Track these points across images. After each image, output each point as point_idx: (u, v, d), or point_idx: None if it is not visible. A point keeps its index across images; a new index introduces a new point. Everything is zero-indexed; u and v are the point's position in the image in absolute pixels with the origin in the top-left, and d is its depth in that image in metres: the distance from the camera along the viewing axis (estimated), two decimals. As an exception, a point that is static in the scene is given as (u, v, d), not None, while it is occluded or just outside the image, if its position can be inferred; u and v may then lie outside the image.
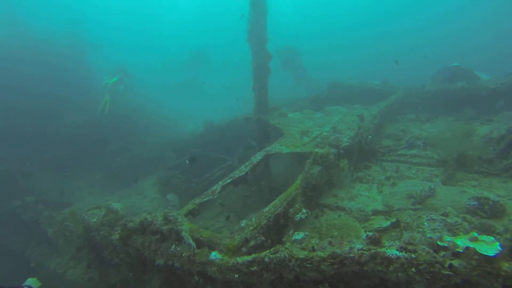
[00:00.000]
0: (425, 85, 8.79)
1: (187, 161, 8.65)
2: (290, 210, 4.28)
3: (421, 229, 3.91)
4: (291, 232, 4.04)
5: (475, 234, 2.82)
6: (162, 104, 19.11)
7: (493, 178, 5.11)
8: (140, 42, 38.02)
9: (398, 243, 2.86)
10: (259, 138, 8.48)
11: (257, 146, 8.80)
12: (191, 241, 3.63)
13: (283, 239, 3.95)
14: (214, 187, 5.19)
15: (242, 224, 3.93)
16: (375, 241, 2.90)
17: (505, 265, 2.35)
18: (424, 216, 4.08)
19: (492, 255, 2.38)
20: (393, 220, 4.23)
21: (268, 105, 8.48)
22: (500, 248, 2.48)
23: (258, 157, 5.88)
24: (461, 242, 2.75)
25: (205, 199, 4.87)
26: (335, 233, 4.25)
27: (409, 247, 2.71)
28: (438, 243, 2.67)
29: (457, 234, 3.78)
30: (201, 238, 3.77)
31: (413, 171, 5.72)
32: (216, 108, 16.88)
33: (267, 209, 4.22)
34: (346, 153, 5.75)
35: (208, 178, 8.63)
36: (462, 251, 2.51)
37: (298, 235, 3.59)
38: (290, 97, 11.88)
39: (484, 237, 2.76)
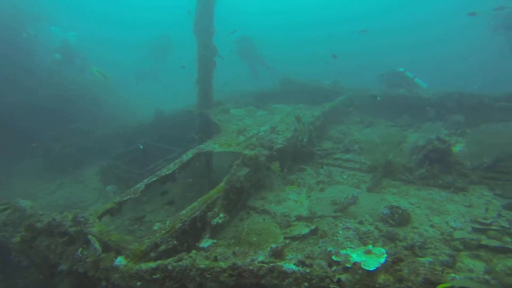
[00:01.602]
0: (376, 95, 9.22)
1: (140, 145, 8.31)
2: (209, 213, 4.28)
3: (335, 238, 4.13)
4: (206, 237, 4.05)
5: (370, 247, 3.02)
6: (126, 88, 18.19)
7: (411, 186, 5.50)
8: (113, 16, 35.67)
9: (299, 257, 2.98)
10: (201, 133, 8.39)
11: (199, 140, 8.70)
12: (97, 245, 3.52)
13: (197, 244, 3.95)
14: (138, 185, 5.06)
15: (155, 228, 3.87)
16: (276, 254, 2.99)
17: (381, 278, 2.54)
18: (341, 225, 4.31)
19: (372, 269, 2.56)
20: (313, 227, 4.41)
21: (212, 99, 8.39)
22: (382, 262, 2.68)
23: (189, 155, 5.81)
24: (356, 255, 2.93)
25: (125, 198, 4.73)
26: (254, 239, 4.35)
27: (307, 261, 2.83)
28: (333, 258, 2.81)
29: (367, 243, 4.04)
30: (109, 242, 3.66)
31: (345, 176, 5.98)
32: (173, 97, 16.36)
33: (184, 212, 4.20)
34: (280, 155, 5.86)
35: (151, 170, 8.39)
36: (350, 266, 2.66)
37: (206, 243, 3.60)
38: (243, 89, 11.85)
39: (376, 250, 2.97)
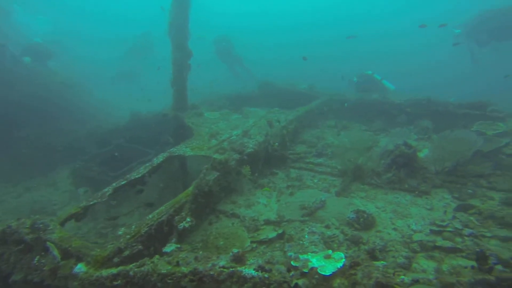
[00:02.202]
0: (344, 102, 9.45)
1: (116, 154, 8.23)
2: (176, 218, 4.30)
3: (301, 242, 4.23)
4: (173, 241, 4.07)
5: (330, 252, 3.13)
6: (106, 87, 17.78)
7: (379, 190, 5.69)
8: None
9: (259, 261, 3.05)
10: (175, 136, 8.38)
11: (173, 143, 8.68)
12: (55, 252, 3.47)
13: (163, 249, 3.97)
14: (106, 189, 5.01)
15: (120, 232, 3.86)
16: (238, 259, 3.05)
17: (336, 282, 2.65)
18: (307, 229, 4.42)
19: (328, 274, 2.66)
20: (280, 231, 4.49)
21: (187, 102, 8.39)
22: (339, 266, 2.79)
23: (160, 158, 5.80)
24: (316, 260, 3.03)
25: (91, 202, 4.68)
26: (221, 243, 4.40)
27: (267, 266, 2.91)
28: (292, 263, 2.90)
29: (332, 247, 4.16)
30: (69, 248, 3.62)
31: (316, 180, 6.11)
32: (151, 98, 16.10)
33: (150, 216, 4.21)
34: (251, 159, 5.94)
35: (125, 172, 8.31)
36: (307, 271, 2.75)
37: (169, 247, 3.62)
38: (221, 92, 11.86)
39: (335, 254, 3.08)
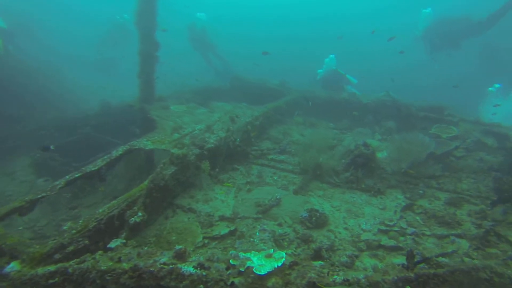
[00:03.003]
0: (308, 99, 9.58)
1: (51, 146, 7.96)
2: (128, 212, 4.27)
3: (252, 239, 4.31)
4: (122, 236, 4.04)
5: (271, 251, 3.21)
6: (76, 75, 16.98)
7: (337, 189, 5.85)
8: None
9: (201, 259, 3.09)
10: (142, 128, 8.25)
11: (139, 135, 8.55)
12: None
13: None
14: (58, 182, 4.89)
15: (65, 227, 3.79)
16: (179, 256, 3.08)
17: (271, 281, 2.73)
18: (258, 227, 4.50)
19: (262, 273, 2.74)
20: (232, 228, 4.56)
21: (153, 94, 8.25)
22: (276, 266, 2.87)
23: (119, 151, 5.70)
24: (257, 259, 3.10)
25: (39, 196, 4.56)
26: (174, 238, 4.42)
27: (207, 264, 2.95)
28: (231, 261, 2.96)
29: (282, 245, 4.27)
30: (3, 246, 3.52)
31: (276, 178, 6.21)
32: (129, 87, 15.57)
33: (101, 210, 4.15)
34: (212, 154, 5.95)
35: (90, 162, 8.10)
36: (243, 270, 2.82)
37: (114, 243, 3.59)
38: (193, 84, 11.72)
39: (276, 254, 3.16)
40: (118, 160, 5.68)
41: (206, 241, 4.39)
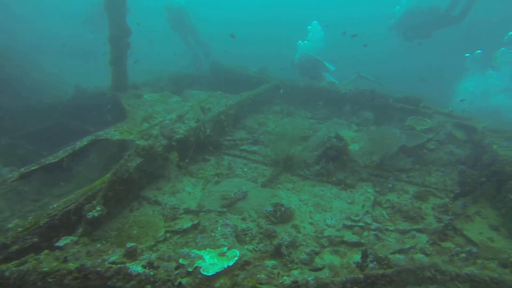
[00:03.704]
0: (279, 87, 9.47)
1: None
2: (86, 206, 4.17)
3: (213, 234, 4.27)
4: (79, 231, 3.95)
5: (225, 249, 3.18)
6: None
7: (307, 182, 5.84)
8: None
9: (153, 257, 3.04)
10: (114, 116, 8.05)
11: (113, 123, 8.35)
12: None
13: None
14: (11, 174, 4.73)
15: (10, 225, 3.67)
16: (130, 254, 3.02)
17: (219, 282, 2.71)
18: (221, 221, 4.47)
19: (210, 274, 2.72)
20: (196, 222, 4.51)
21: (126, 82, 8.02)
22: (226, 266, 2.84)
23: (84, 141, 5.54)
24: (210, 257, 3.07)
25: (-11, 188, 4.40)
26: (135, 232, 4.36)
27: (156, 263, 2.90)
28: (180, 261, 2.91)
29: (244, 240, 4.25)
30: None
31: (246, 169, 6.16)
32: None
33: (55, 205, 4.04)
34: (182, 145, 5.85)
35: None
36: (191, 270, 2.79)
37: (63, 241, 3.48)
38: (171, 71, 11.44)
39: (230, 252, 3.14)
40: (83, 151, 5.51)
41: (168, 235, 4.35)
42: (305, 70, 11.36)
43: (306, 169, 6.07)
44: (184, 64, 13.84)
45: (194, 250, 3.20)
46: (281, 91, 9.22)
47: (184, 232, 4.40)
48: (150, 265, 2.88)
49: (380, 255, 3.08)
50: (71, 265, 2.91)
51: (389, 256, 3.28)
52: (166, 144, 5.62)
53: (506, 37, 13.38)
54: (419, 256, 3.71)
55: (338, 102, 9.35)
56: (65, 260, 2.98)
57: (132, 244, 3.14)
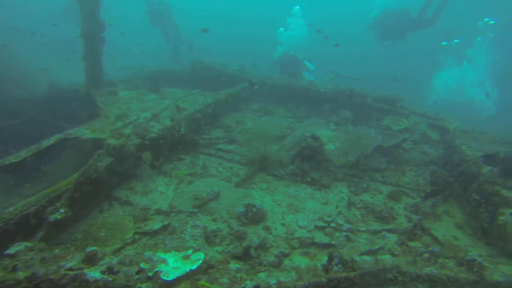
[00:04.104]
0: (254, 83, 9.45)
1: None
2: (49, 209, 4.03)
3: (183, 235, 4.20)
4: (39, 236, 3.81)
5: (189, 252, 3.13)
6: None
7: (282, 182, 5.83)
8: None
9: (114, 261, 2.96)
10: (89, 113, 7.84)
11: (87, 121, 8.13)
12: None
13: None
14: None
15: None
16: (89, 259, 2.93)
17: (180, 287, 2.65)
18: (191, 222, 4.40)
19: (170, 279, 2.66)
20: (166, 223, 4.43)
21: (101, 78, 7.82)
22: (188, 270, 2.79)
23: (51, 140, 5.37)
24: (174, 260, 3.01)
25: None
26: (102, 234, 4.25)
27: (116, 268, 2.82)
28: (141, 265, 2.84)
29: (213, 241, 4.20)
30: None
31: (220, 169, 6.10)
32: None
33: (11, 209, 3.88)
34: (156, 144, 5.75)
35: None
36: (151, 275, 2.72)
37: (15, 248, 3.27)
38: (150, 66, 11.22)
39: (194, 255, 3.08)
40: (50, 151, 5.34)
41: (137, 236, 4.27)
42: (285, 68, 11.36)
43: (281, 169, 6.06)
44: (164, 60, 13.57)
45: (158, 253, 3.13)
46: (256, 87, 9.17)
47: (153, 233, 4.32)
48: (109, 270, 2.80)
49: (346, 258, 3.08)
50: (21, 274, 2.79)
51: (357, 258, 3.30)
52: (139, 143, 5.51)
53: (480, 23, 13.78)
54: (386, 257, 3.75)
55: (317, 101, 9.37)
56: (14, 269, 2.85)
57: (93, 248, 3.03)
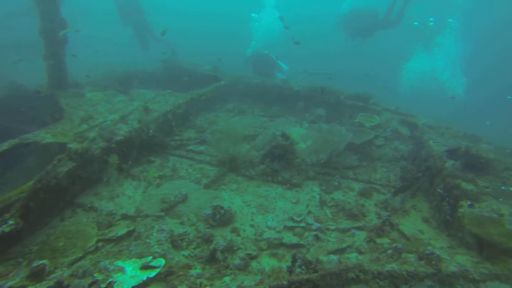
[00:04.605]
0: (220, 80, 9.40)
1: None
2: (-4, 221, 3.81)
3: (148, 240, 4.08)
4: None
5: (149, 258, 3.03)
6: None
7: (252, 182, 5.78)
8: None
9: (66, 274, 2.83)
10: (52, 116, 7.54)
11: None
12: None
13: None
14: None
15: None
16: (35, 274, 2.78)
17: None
18: (157, 226, 4.29)
19: (127, 288, 2.56)
20: (131, 228, 4.30)
21: (66, 79, 7.54)
22: (145, 278, 2.70)
23: (4, 145, 5.13)
24: (132, 268, 2.90)
25: None
26: (61, 244, 4.07)
27: (67, 282, 2.69)
28: (95, 275, 2.73)
29: (180, 245, 4.09)
30: None
31: (190, 170, 6.00)
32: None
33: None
34: (123, 146, 5.59)
35: None
36: (105, 286, 2.61)
37: None
38: (125, 66, 10.92)
39: (155, 262, 2.99)
40: (2, 156, 5.09)
41: (100, 244, 4.11)
42: (258, 68, 11.30)
43: (251, 169, 6.01)
44: (137, 58, 13.17)
45: (117, 262, 3.03)
46: (222, 82, 9.09)
47: (118, 239, 4.18)
48: (58, 285, 2.66)
49: (310, 259, 3.06)
50: None
51: (323, 258, 3.29)
52: (105, 147, 5.33)
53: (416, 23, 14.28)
54: (353, 255, 3.76)
55: (291, 99, 9.38)
56: None
57: (41, 262, 2.89)
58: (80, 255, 3.86)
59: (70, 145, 4.94)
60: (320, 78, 11.05)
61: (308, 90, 9.32)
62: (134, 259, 3.14)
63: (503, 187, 4.40)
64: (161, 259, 3.05)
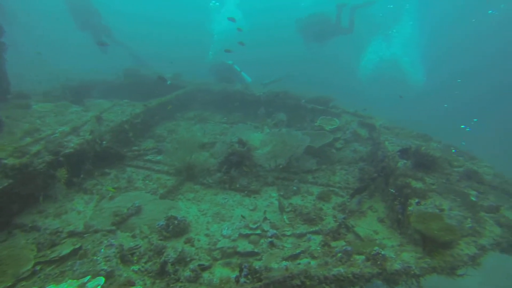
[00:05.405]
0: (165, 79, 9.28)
1: None
2: None
3: (95, 257, 3.89)
4: None
5: (87, 279, 2.86)
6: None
7: (210, 190, 5.69)
8: None
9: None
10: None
11: None
12: None
13: None
14: None
15: None
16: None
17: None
18: (105, 241, 4.10)
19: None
20: (77, 246, 4.08)
21: (8, 89, 7.11)
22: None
23: None
24: (68, 290, 2.72)
25: None
26: (-7, 270, 3.78)
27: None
28: (23, 300, 2.54)
29: (130, 260, 3.93)
30: None
31: (147, 181, 5.83)
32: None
33: None
34: (74, 160, 5.34)
35: None
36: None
37: None
38: (82, 75, 10.51)
39: (92, 282, 2.82)
40: None
41: (38, 267, 3.82)
42: (221, 78, 11.25)
43: (208, 177, 5.92)
44: (95, 66, 12.71)
45: (49, 286, 2.83)
46: (168, 82, 8.96)
47: (61, 260, 3.94)
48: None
49: (256, 268, 3.00)
50: None
51: (274, 265, 3.25)
52: (50, 160, 5.06)
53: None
54: (305, 260, 3.75)
55: (253, 105, 9.38)
56: None
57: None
58: (9, 284, 3.57)
59: (5, 161, 4.64)
60: (280, 84, 11.14)
61: (269, 95, 9.36)
62: (70, 280, 2.96)
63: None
64: (101, 277, 2.90)
